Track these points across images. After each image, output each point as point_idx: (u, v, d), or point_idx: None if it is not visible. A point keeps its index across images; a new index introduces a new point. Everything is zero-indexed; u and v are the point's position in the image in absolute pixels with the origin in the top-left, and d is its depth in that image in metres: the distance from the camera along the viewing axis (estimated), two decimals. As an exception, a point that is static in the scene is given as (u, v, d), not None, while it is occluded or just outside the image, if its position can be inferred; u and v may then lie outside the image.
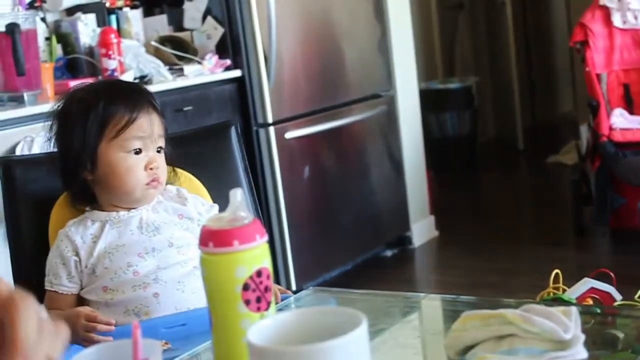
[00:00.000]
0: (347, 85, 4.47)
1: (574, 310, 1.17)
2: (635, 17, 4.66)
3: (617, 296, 2.64)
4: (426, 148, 5.08)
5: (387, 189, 4.68)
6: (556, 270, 2.66)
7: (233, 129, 2.17)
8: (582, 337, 1.14)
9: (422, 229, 4.95)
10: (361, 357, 0.87)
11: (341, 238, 4.35)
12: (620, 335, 1.32)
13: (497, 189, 6.50)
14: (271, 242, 3.98)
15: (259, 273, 1.08)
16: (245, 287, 1.07)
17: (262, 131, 3.98)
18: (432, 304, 1.61)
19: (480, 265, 4.48)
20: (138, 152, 1.80)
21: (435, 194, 5.29)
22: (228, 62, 3.94)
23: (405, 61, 4.89)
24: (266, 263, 1.10)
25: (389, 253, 4.77)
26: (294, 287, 4.02)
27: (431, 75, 7.10)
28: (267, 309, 1.08)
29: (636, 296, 2.91)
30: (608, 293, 2.61)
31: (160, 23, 4.10)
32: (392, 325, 1.39)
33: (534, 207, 5.97)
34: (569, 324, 1.13)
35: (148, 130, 1.80)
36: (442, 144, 6.66)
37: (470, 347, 1.16)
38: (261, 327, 0.92)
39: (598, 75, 4.67)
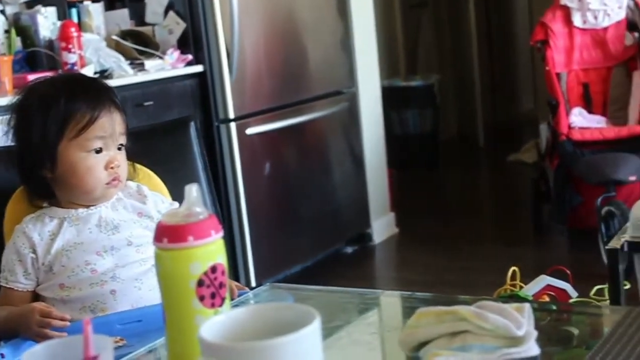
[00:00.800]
0: (309, 81, 4.47)
1: (527, 307, 1.18)
2: (595, 17, 4.70)
3: (573, 293, 2.67)
4: (388, 145, 5.09)
5: (347, 185, 4.69)
6: (513, 268, 2.69)
7: (192, 125, 2.16)
8: (535, 333, 1.15)
9: (382, 226, 4.96)
10: (313, 353, 0.87)
11: (301, 234, 4.35)
12: (575, 331, 1.34)
13: (458, 187, 6.54)
14: (231, 239, 3.98)
15: (213, 269, 1.08)
16: (200, 283, 1.07)
17: (223, 127, 3.97)
18: (389, 301, 1.61)
19: (440, 263, 4.51)
20: (99, 151, 1.78)
21: (396, 192, 5.31)
22: (190, 57, 3.92)
23: (368, 58, 4.90)
24: (221, 259, 1.10)
25: (349, 250, 4.79)
26: (253, 284, 4.01)
27: (394, 73, 7.12)
28: (221, 305, 1.08)
29: (591, 293, 2.96)
30: (564, 290, 2.64)
31: (122, 17, 4.07)
32: (348, 322, 1.39)
33: (494, 205, 6.02)
34: (521, 320, 1.14)
35: (109, 130, 1.78)
36: (404, 141, 6.68)
37: (424, 344, 1.17)
38: (214, 323, 0.92)
39: (558, 75, 4.71)
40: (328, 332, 1.26)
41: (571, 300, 2.69)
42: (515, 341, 1.13)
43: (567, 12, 4.74)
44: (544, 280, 2.67)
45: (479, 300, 1.21)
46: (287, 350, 0.83)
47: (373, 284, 4.32)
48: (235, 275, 3.93)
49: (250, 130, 4.04)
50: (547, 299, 2.67)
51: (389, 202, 5.07)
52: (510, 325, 1.13)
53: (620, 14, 4.71)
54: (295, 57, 4.38)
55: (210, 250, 1.08)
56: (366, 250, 4.83)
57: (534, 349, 1.13)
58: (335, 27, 4.66)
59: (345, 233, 4.74)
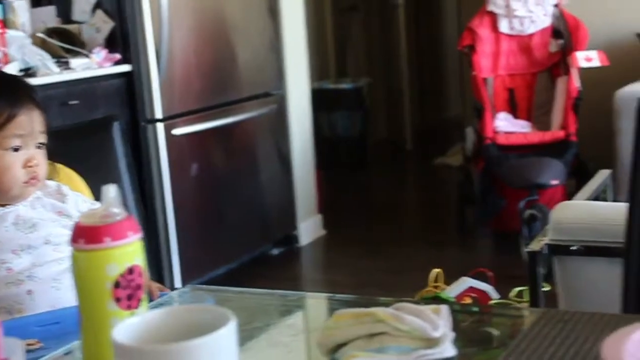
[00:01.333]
0: (238, 83, 4.46)
1: (444, 308, 1.20)
2: (522, 24, 4.78)
3: (494, 295, 2.72)
4: (316, 147, 5.11)
5: (275, 187, 4.69)
6: (436, 270, 2.73)
7: (116, 124, 2.14)
8: (451, 335, 1.16)
9: (309, 228, 4.97)
10: (227, 356, 0.87)
11: (228, 236, 4.33)
12: (495, 333, 1.36)
13: (386, 189, 6.59)
14: (156, 240, 3.94)
15: (130, 270, 1.07)
16: (116, 285, 1.06)
17: (149, 127, 3.93)
18: (311, 303, 1.62)
19: (367, 265, 4.54)
20: (17, 149, 1.75)
21: (324, 193, 5.32)
22: (118, 56, 3.88)
23: (298, 61, 4.91)
24: (139, 260, 1.09)
25: (275, 251, 4.78)
26: (179, 285, 3.99)
27: (324, 75, 7.14)
28: (137, 307, 1.07)
29: (511, 295, 3.00)
30: (485, 292, 2.69)
31: (48, 14, 4.01)
32: (268, 324, 1.39)
33: (420, 208, 6.07)
34: (438, 322, 1.16)
35: (28, 128, 1.76)
36: (333, 143, 6.71)
37: (342, 345, 1.17)
38: (128, 325, 0.91)
39: (484, 79, 4.77)
40: (247, 334, 1.26)
41: (492, 302, 2.74)
42: (432, 342, 1.14)
43: (494, 18, 4.81)
44: (466, 282, 2.71)
45: (399, 302, 1.23)
46: (199, 353, 0.82)
47: (299, 286, 4.32)
48: (159, 277, 3.90)
49: (177, 131, 4.01)
50: (469, 300, 2.71)
51: (316, 204, 5.09)
52: (426, 326, 1.14)
53: (545, 21, 4.79)
54: (225, 58, 4.37)
55: (128, 252, 1.07)
56: (292, 252, 4.84)
57: (450, 351, 1.14)
58: (265, 29, 4.66)
59: (272, 235, 4.74)
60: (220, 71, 4.33)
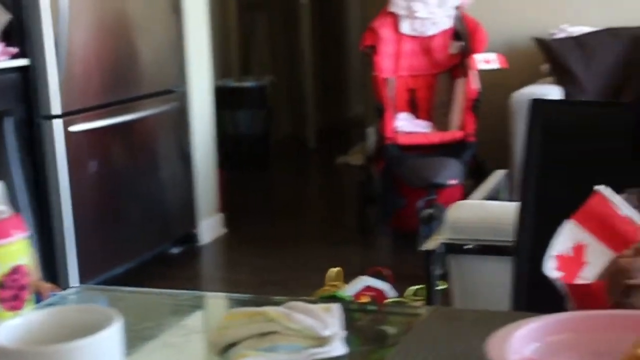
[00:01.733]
0: (139, 79, 4.40)
1: (335, 307, 1.20)
2: (423, 25, 4.85)
3: (391, 293, 2.76)
4: (219, 145, 5.08)
5: (175, 185, 4.65)
6: (335, 269, 2.74)
7: (8, 120, 2.08)
8: (342, 333, 1.17)
9: (210, 227, 4.94)
10: (111, 357, 0.85)
11: (127, 234, 4.28)
12: (391, 331, 1.37)
13: (288, 188, 6.60)
14: (51, 238, 3.86)
15: (15, 270, 1.05)
16: (0, 285, 1.03)
17: (46, 123, 3.85)
18: (206, 302, 1.61)
19: (268, 264, 4.54)
20: None
21: (226, 192, 5.30)
22: (15, 50, 3.78)
23: (201, 58, 4.88)
24: (24, 260, 1.06)
25: (175, 250, 4.74)
26: (77, 284, 3.92)
27: (227, 73, 7.11)
28: (22, 308, 1.05)
29: (407, 293, 3.04)
30: (382, 290, 2.72)
31: (-60, 6, 3.89)
32: (160, 324, 1.38)
33: (321, 207, 6.10)
34: (328, 320, 1.16)
35: None
36: (236, 141, 6.68)
37: (233, 345, 1.17)
38: (8, 327, 0.89)
39: (385, 80, 4.82)
40: (138, 335, 1.25)
41: (388, 301, 2.77)
42: (322, 341, 1.15)
43: (395, 19, 4.86)
44: (363, 281, 2.74)
45: (296, 301, 1.23)
46: (80, 355, 0.81)
47: (199, 285, 4.30)
48: (55, 276, 3.82)
49: (76, 127, 3.94)
50: (366, 299, 2.73)
51: (217, 203, 5.06)
52: (316, 325, 1.15)
53: (446, 23, 4.87)
54: (126, 54, 4.31)
55: (12, 251, 1.04)
56: (193, 251, 4.80)
57: (340, 349, 1.15)
58: (168, 26, 4.62)
59: (172, 233, 4.69)
60: (121, 67, 4.27)
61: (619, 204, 1.32)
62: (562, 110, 1.69)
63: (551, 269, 1.27)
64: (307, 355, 1.12)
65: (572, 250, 1.29)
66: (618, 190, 1.50)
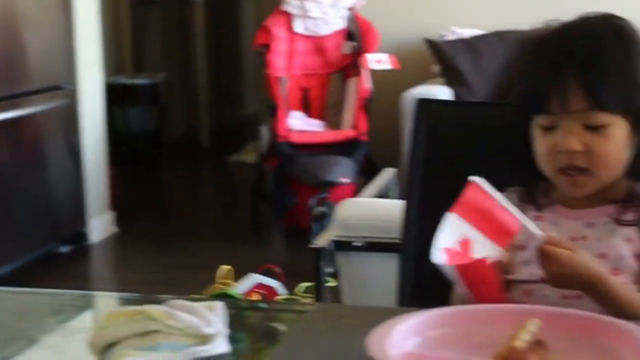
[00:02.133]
0: (26, 75, 4.30)
1: (218, 305, 1.20)
2: (316, 25, 4.87)
3: (282, 291, 2.75)
4: (110, 143, 5.01)
5: (64, 183, 4.56)
6: (225, 266, 2.72)
7: None
8: (225, 331, 1.17)
9: (100, 225, 4.86)
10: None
11: (13, 233, 4.17)
12: (281, 328, 1.37)
13: (181, 187, 6.55)
14: None
15: None
16: None
17: None
18: (89, 302, 1.58)
19: (160, 262, 4.50)
20: None
21: (118, 190, 5.22)
22: None
23: (91, 54, 4.80)
24: None
25: (64, 249, 4.64)
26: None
27: (119, 70, 7.00)
28: None
29: (298, 290, 3.04)
30: (273, 288, 2.71)
31: None
32: (40, 325, 1.35)
33: (215, 205, 6.08)
34: (211, 318, 1.16)
35: None
36: (128, 139, 6.58)
37: (114, 345, 1.15)
38: None
39: (278, 79, 4.82)
40: (15, 335, 1.22)
41: (279, 298, 2.77)
42: (205, 339, 1.14)
43: (289, 18, 4.87)
44: (254, 278, 2.72)
45: (187, 299, 1.22)
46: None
47: (88, 285, 4.23)
48: None
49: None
50: (256, 297, 2.73)
51: (108, 201, 4.98)
52: (199, 323, 1.14)
53: (339, 24, 4.90)
54: (12, 49, 4.20)
55: None
56: (82, 250, 4.71)
57: (223, 347, 1.15)
58: (56, 21, 4.52)
59: (60, 232, 4.60)
60: (7, 62, 4.16)
61: (493, 192, 1.35)
62: (447, 110, 1.73)
63: (439, 257, 1.28)
64: (189, 353, 1.12)
65: (459, 244, 1.31)
66: (499, 189, 1.54)
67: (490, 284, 1.26)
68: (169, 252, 4.65)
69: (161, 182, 6.64)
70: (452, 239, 1.30)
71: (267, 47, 4.82)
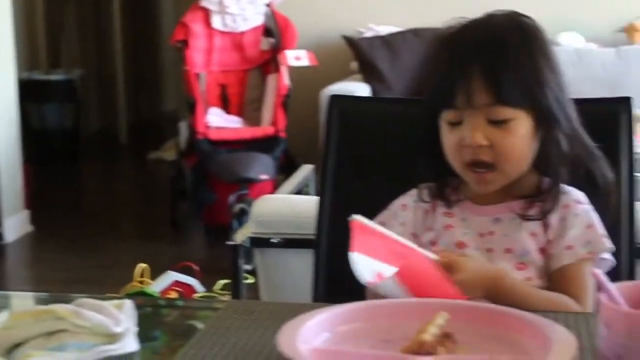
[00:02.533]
0: None
1: (127, 303, 1.19)
2: (234, 21, 4.84)
3: (200, 288, 2.75)
4: (25, 140, 4.91)
5: (-24, 181, 4.46)
6: (142, 265, 2.71)
7: None
8: (134, 329, 1.16)
9: (15, 224, 4.77)
10: None
11: None
12: (200, 325, 1.36)
13: (99, 184, 6.47)
14: None
15: None
16: None
17: None
18: (4, 301, 1.55)
19: (77, 261, 4.44)
20: None
21: (33, 188, 5.13)
22: None
23: (3, 49, 4.71)
24: None
25: (-24, 249, 4.56)
26: None
27: (34, 66, 6.87)
28: None
29: (216, 287, 3.05)
30: (190, 285, 2.71)
31: None
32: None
33: (133, 202, 6.01)
34: (120, 317, 1.15)
35: None
36: (43, 136, 6.47)
37: (20, 345, 1.13)
38: None
39: (197, 75, 4.79)
40: None
41: (197, 295, 2.77)
42: (113, 338, 1.13)
43: (207, 13, 4.83)
44: (171, 276, 2.72)
45: (108, 298, 1.21)
46: None
47: (4, 284, 4.14)
48: None
49: None
50: (174, 294, 2.72)
51: (23, 199, 4.89)
52: (107, 322, 1.13)
53: (257, 20, 4.89)
54: None
55: None
56: (-3, 249, 4.63)
57: (132, 345, 1.14)
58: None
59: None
60: None
61: (376, 227, 1.35)
62: (359, 106, 1.74)
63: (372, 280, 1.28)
64: (97, 352, 1.11)
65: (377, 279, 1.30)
66: (414, 185, 1.56)
67: (436, 283, 1.26)
68: (86, 250, 4.59)
69: (78, 179, 6.54)
70: (371, 276, 1.29)
71: (185, 43, 4.78)
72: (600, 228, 1.45)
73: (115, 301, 1.19)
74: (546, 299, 1.37)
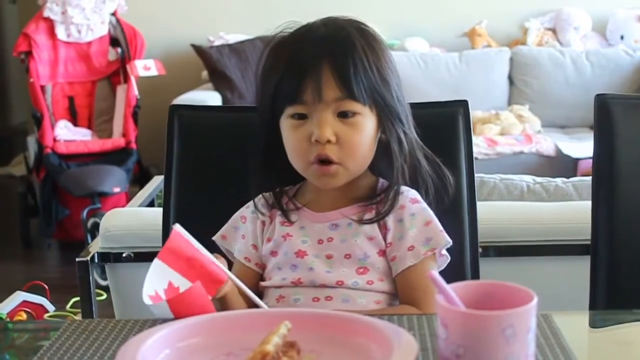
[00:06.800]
0: None
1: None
2: (79, 31, 4.74)
3: (50, 307, 2.67)
4: None
5: None
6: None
7: None
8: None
9: None
10: None
11: None
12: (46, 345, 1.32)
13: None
14: None
15: None
16: None
17: None
18: None
19: None
20: None
21: None
22: None
23: None
24: None
25: None
26: None
27: None
28: None
29: (68, 306, 2.97)
30: (41, 305, 2.63)
31: None
32: None
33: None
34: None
35: None
36: None
37: None
38: None
39: (43, 87, 4.67)
40: None
41: (47, 315, 2.68)
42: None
43: (51, 24, 4.71)
44: (19, 296, 2.63)
45: None
46: None
47: None
48: None
49: None
50: (24, 315, 2.63)
51: None
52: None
53: (103, 30, 4.79)
54: None
55: None
56: None
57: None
58: None
59: None
60: None
61: (191, 239, 1.36)
62: (198, 115, 1.72)
63: (148, 300, 1.28)
64: None
65: (164, 292, 1.32)
66: (252, 193, 1.56)
67: (202, 308, 1.25)
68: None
69: None
70: (162, 285, 1.31)
71: (29, 54, 4.65)
72: (437, 223, 1.48)
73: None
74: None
